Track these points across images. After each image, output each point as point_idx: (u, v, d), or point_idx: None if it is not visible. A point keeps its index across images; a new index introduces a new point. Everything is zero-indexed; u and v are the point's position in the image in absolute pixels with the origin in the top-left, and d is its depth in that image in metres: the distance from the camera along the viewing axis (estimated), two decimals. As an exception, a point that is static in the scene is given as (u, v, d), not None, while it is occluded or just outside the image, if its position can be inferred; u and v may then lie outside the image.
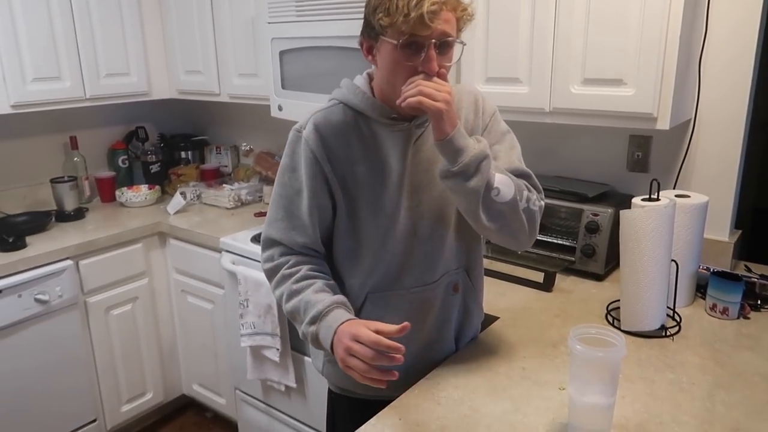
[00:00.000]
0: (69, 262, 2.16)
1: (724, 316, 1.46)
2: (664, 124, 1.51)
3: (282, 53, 2.13)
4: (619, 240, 1.40)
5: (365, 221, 1.21)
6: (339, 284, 1.23)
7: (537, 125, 1.74)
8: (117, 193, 2.70)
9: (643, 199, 1.41)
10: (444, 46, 1.08)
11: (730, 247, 1.73)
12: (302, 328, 1.15)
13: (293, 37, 2.07)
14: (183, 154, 2.96)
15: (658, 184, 1.41)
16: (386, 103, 1.16)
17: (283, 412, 2.15)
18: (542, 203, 1.23)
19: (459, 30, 1.11)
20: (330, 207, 1.21)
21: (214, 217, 2.51)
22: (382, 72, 1.13)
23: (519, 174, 1.20)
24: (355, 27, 1.88)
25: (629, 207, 1.41)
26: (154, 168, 2.85)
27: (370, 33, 1.11)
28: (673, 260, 1.41)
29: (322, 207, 1.20)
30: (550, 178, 1.97)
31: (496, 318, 1.50)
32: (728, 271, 1.63)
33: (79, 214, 2.49)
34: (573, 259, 1.76)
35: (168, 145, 2.97)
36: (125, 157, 2.87)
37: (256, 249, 1.89)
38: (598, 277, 1.72)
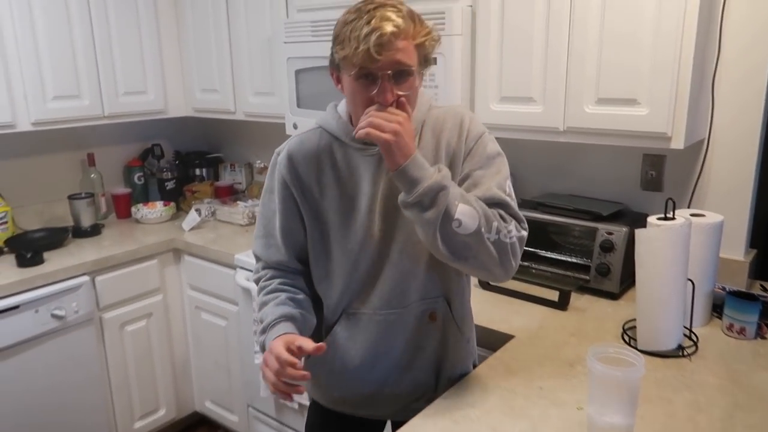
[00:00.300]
0: (86, 278, 2.18)
1: (741, 336, 1.45)
2: (678, 143, 1.52)
3: (298, 72, 2.16)
4: (635, 259, 1.40)
5: (336, 244, 1.24)
6: (320, 302, 1.30)
7: (550, 143, 1.75)
8: (133, 209, 2.73)
9: (658, 218, 1.42)
10: (400, 75, 1.07)
11: (745, 267, 1.72)
12: (256, 338, 1.23)
13: (309, 56, 2.10)
14: (198, 171, 3.00)
15: (674, 203, 1.41)
16: None
17: (296, 430, 2.15)
18: (522, 233, 1.17)
19: (424, 55, 1.11)
20: (301, 230, 1.27)
21: (228, 233, 2.53)
22: (347, 101, 1.18)
23: (494, 203, 1.14)
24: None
25: (644, 226, 1.41)
26: (170, 185, 2.89)
27: (333, 63, 1.14)
28: (689, 279, 1.41)
29: (293, 230, 1.27)
30: (562, 197, 1.97)
31: (511, 336, 1.50)
32: (744, 290, 1.62)
33: (95, 230, 2.52)
34: (587, 277, 1.75)
35: (183, 162, 3.00)
36: (141, 173, 2.91)
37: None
38: (613, 296, 1.71)
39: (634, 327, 1.46)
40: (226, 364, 2.42)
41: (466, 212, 1.08)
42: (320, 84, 2.09)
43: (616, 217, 1.79)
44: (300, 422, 2.12)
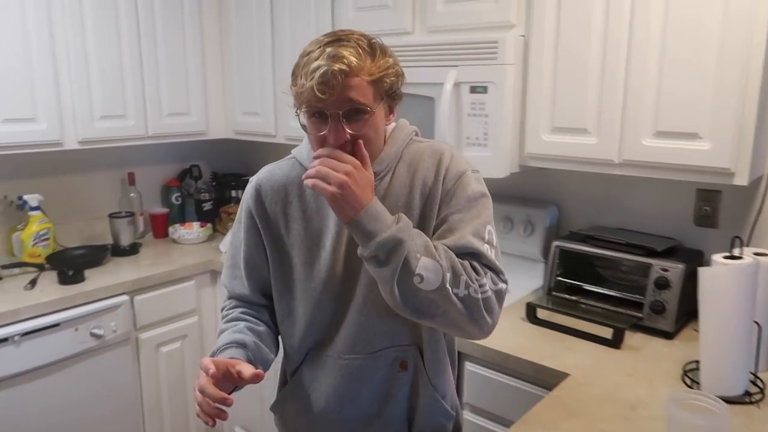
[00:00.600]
0: (125, 297, 2.18)
1: (811, 383, 1.39)
2: (742, 179, 1.47)
3: (343, 98, 2.16)
4: (699, 299, 1.34)
5: (299, 282, 1.18)
6: (283, 342, 1.25)
7: (598, 174, 1.71)
8: (170, 229, 2.74)
9: (724, 257, 1.37)
10: (352, 114, 1.01)
11: (808, 309, 1.65)
12: None
13: (355, 82, 2.10)
14: (234, 193, 3.00)
15: (741, 241, 1.36)
16: None
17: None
18: (501, 285, 1.07)
19: (385, 90, 1.04)
20: (265, 264, 1.21)
21: (264, 256, 2.52)
22: None
23: (467, 252, 1.05)
24: (415, 74, 1.92)
25: (699, 262, 1.37)
26: (207, 206, 2.90)
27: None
28: (755, 322, 1.35)
29: (257, 263, 1.22)
30: (611, 230, 1.93)
31: (565, 375, 1.45)
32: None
33: (134, 249, 2.52)
34: (640, 315, 1.70)
35: (220, 184, 3.02)
36: (179, 194, 2.92)
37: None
38: (668, 335, 1.65)
39: (695, 369, 1.40)
40: (258, 390, 2.38)
41: (428, 266, 0.99)
42: (366, 110, 2.09)
43: (670, 253, 1.73)
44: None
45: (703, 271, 1.33)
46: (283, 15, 2.42)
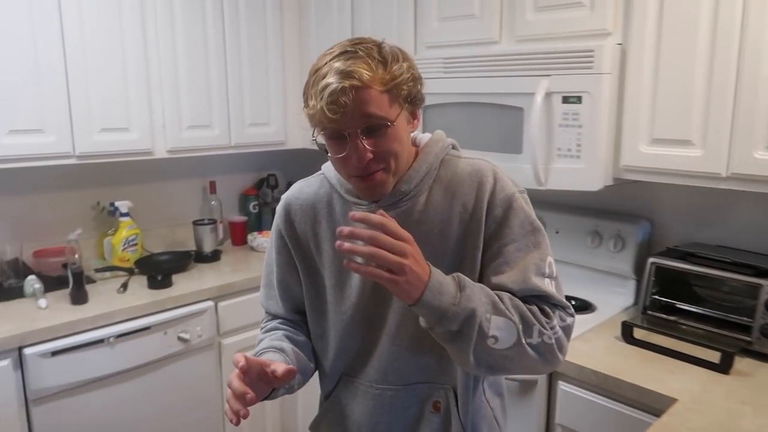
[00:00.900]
0: (210, 303, 2.23)
1: None
2: None
3: (426, 108, 2.15)
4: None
5: (330, 304, 1.12)
6: (319, 362, 1.19)
7: (697, 188, 1.63)
8: (249, 237, 2.79)
9: None
10: (373, 130, 0.95)
11: None
12: None
13: (439, 92, 2.08)
14: (309, 202, 3.03)
15: None
16: None
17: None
18: (568, 321, 1.01)
19: (404, 96, 0.97)
20: (298, 284, 1.16)
21: (341, 266, 2.52)
22: None
23: (534, 296, 0.98)
24: (502, 84, 1.88)
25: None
26: (283, 214, 2.93)
27: None
28: None
29: (290, 284, 1.18)
30: (711, 247, 1.83)
31: (672, 400, 1.37)
32: None
33: (215, 256, 2.58)
34: (749, 338, 1.59)
35: (295, 193, 3.05)
36: (256, 202, 2.98)
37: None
38: (781, 361, 1.55)
39: (820, 400, 1.30)
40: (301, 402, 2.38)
41: (501, 325, 0.93)
42: (450, 120, 2.07)
43: (781, 273, 1.62)
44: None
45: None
46: (365, 30, 2.43)
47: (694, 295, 1.82)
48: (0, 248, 2.21)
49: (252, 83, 2.59)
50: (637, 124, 1.69)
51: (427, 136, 1.12)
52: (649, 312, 1.80)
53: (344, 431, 1.17)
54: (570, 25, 1.78)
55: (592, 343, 1.69)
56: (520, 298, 0.98)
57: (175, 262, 2.44)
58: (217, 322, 2.28)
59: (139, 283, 2.25)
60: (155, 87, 2.29)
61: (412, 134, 1.07)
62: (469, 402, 1.08)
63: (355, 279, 1.08)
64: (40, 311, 1.96)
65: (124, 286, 2.19)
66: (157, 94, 2.30)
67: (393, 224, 0.88)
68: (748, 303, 1.63)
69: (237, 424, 0.93)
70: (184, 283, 2.26)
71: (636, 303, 1.97)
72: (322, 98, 0.91)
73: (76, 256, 2.04)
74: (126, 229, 2.42)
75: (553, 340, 0.97)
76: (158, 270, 2.28)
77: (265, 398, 1.03)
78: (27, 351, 1.81)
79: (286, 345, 1.12)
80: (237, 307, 2.33)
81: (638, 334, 1.68)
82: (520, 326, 0.95)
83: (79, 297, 2.03)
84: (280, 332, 1.16)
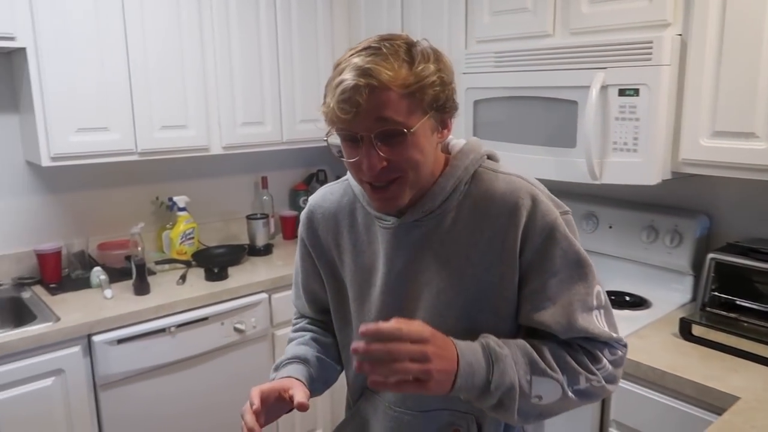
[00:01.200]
0: (264, 295, 2.29)
1: None
2: None
3: (476, 102, 2.15)
4: None
5: (354, 316, 1.07)
6: (345, 369, 1.16)
7: (759, 181, 1.58)
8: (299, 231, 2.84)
9: None
10: (387, 135, 0.86)
11: None
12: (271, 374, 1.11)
13: (490, 87, 2.08)
14: (357, 197, 3.07)
15: None
16: None
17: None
18: (618, 354, 0.95)
19: (429, 102, 0.87)
20: (323, 291, 1.12)
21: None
22: None
23: (580, 338, 0.92)
24: (557, 77, 1.86)
25: None
26: (332, 209, 2.98)
27: None
28: None
29: (315, 290, 1.15)
30: (774, 242, 1.77)
31: (735, 398, 1.34)
32: None
33: (267, 250, 2.65)
34: (816, 337, 1.54)
35: (343, 188, 3.10)
36: (305, 197, 3.03)
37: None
38: None
39: None
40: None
41: (543, 385, 0.89)
42: (501, 114, 2.06)
43: None
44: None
45: None
46: (415, 24, 2.44)
47: (756, 291, 1.76)
48: (68, 241, 2.32)
49: (303, 81, 2.64)
50: (698, 117, 1.65)
51: (461, 142, 1.01)
52: (708, 309, 1.76)
53: None
54: (627, 17, 1.75)
55: (649, 340, 1.66)
56: (565, 339, 0.93)
57: (230, 255, 2.52)
58: (271, 314, 2.33)
59: (196, 275, 2.32)
60: (211, 86, 2.36)
61: (447, 139, 0.98)
62: (496, 429, 1.01)
63: (375, 296, 1.02)
64: (106, 301, 2.06)
65: (183, 278, 2.28)
66: (213, 93, 2.37)
67: (407, 328, 0.81)
68: (814, 301, 1.58)
69: None
70: (238, 276, 2.33)
71: (693, 300, 1.93)
72: (335, 95, 0.84)
73: (139, 248, 2.13)
74: (183, 223, 2.50)
75: (603, 381, 0.93)
76: (214, 263, 2.36)
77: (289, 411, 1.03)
78: (95, 338, 1.91)
79: (311, 353, 1.10)
80: (289, 300, 2.37)
81: (697, 331, 1.65)
82: (565, 380, 0.90)
83: (141, 288, 2.12)
84: (308, 335, 1.15)
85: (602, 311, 0.94)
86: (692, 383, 1.43)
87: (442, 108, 0.90)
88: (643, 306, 1.92)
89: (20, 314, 2.05)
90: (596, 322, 0.92)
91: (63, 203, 2.38)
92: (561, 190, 2.31)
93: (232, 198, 2.85)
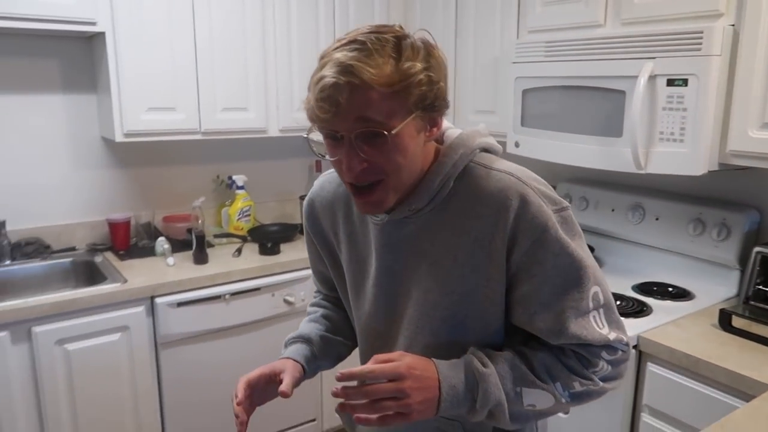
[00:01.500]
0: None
1: None
2: None
3: (525, 92, 2.18)
4: None
5: (352, 305, 1.08)
6: None
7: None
8: (349, 213, 2.96)
9: None
10: (368, 136, 0.81)
11: None
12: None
13: (539, 76, 2.11)
14: (406, 183, 3.15)
15: None
16: None
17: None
18: (618, 354, 0.92)
19: (415, 102, 0.82)
20: (330, 274, 1.13)
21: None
22: None
23: (571, 345, 0.89)
24: (606, 67, 1.87)
25: None
26: (381, 194, 3.07)
27: None
28: None
29: (321, 271, 1.17)
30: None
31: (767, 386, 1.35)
32: None
33: (318, 230, 2.76)
34: None
35: (394, 174, 3.18)
36: (357, 181, 3.13)
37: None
38: None
39: None
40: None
41: (534, 396, 0.89)
42: (549, 104, 2.09)
43: None
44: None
45: None
46: (468, 14, 2.48)
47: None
48: (136, 213, 2.51)
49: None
50: (747, 108, 1.64)
51: (455, 133, 0.96)
52: (752, 302, 1.75)
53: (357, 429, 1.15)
54: (679, 7, 1.75)
55: (687, 329, 1.67)
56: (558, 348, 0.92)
57: (283, 233, 2.65)
58: (319, 289, 2.45)
59: (251, 249, 2.47)
60: (271, 71, 2.49)
61: (444, 128, 0.95)
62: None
63: (368, 288, 1.01)
64: (168, 268, 2.23)
65: (239, 251, 2.42)
66: (272, 78, 2.50)
67: (380, 369, 0.82)
68: None
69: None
70: (290, 252, 2.45)
71: (739, 294, 1.91)
72: (315, 93, 0.81)
73: (200, 221, 2.29)
74: (241, 201, 2.65)
75: (600, 383, 0.92)
76: (268, 239, 2.49)
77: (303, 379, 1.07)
78: (158, 300, 2.07)
79: (316, 332, 1.12)
80: (337, 277, 2.49)
81: (737, 323, 1.65)
82: (557, 387, 0.90)
83: (200, 257, 2.27)
84: (320, 312, 1.17)
85: (601, 311, 0.90)
86: (726, 371, 1.44)
87: (430, 107, 0.85)
88: (686, 298, 1.92)
89: (93, 276, 2.25)
90: (593, 325, 0.89)
91: (133, 178, 2.57)
92: (608, 181, 2.33)
93: (288, 179, 2.98)
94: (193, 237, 2.28)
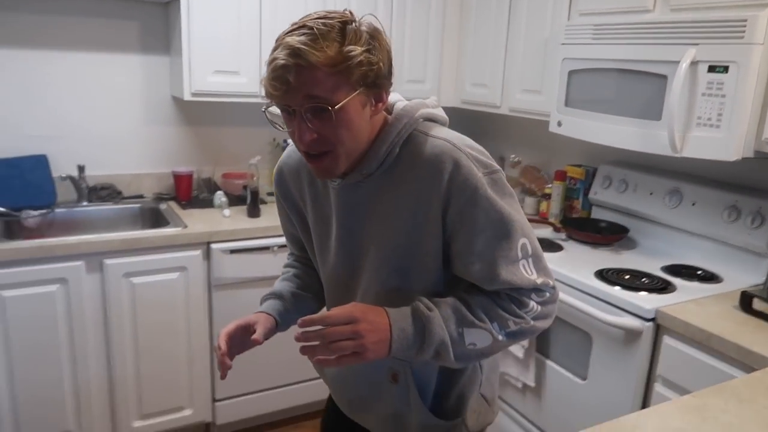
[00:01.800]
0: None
1: None
2: None
3: (571, 73, 2.25)
4: None
5: (319, 263, 1.20)
6: None
7: None
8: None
9: None
10: (316, 111, 0.92)
11: None
12: None
13: (586, 58, 2.17)
14: (452, 158, 3.25)
15: None
16: None
17: (515, 409, 2.25)
18: (546, 296, 1.04)
19: (356, 81, 0.92)
20: (298, 233, 1.25)
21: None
22: None
23: (504, 290, 1.01)
24: (651, 51, 1.92)
25: None
26: (427, 167, 3.18)
27: None
28: None
29: (291, 232, 1.28)
30: None
31: (773, 361, 1.42)
32: None
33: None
34: None
35: (441, 149, 3.28)
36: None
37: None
38: None
39: None
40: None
41: (474, 334, 1.00)
42: (594, 86, 2.15)
43: None
44: (520, 402, 2.22)
45: None
46: (523, -7, 2.55)
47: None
48: (198, 168, 2.73)
49: (413, 42, 2.83)
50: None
51: (400, 105, 1.07)
52: (776, 288, 1.79)
53: (325, 376, 1.30)
54: (728, -6, 1.78)
55: (706, 308, 1.73)
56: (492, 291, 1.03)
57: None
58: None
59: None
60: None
61: (391, 99, 1.06)
62: (426, 382, 1.13)
63: (332, 247, 1.12)
64: (224, 219, 2.43)
65: (289, 209, 2.60)
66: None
67: (335, 313, 0.94)
68: None
69: (223, 378, 1.10)
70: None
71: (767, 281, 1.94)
72: (268, 72, 0.92)
73: (255, 178, 2.47)
74: (294, 164, 2.82)
75: (531, 322, 1.03)
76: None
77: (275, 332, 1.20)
78: (213, 246, 2.28)
79: (287, 289, 1.25)
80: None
81: (758, 305, 1.69)
82: (494, 326, 1.01)
83: (254, 211, 2.46)
84: (292, 272, 1.30)
85: (530, 260, 1.02)
86: (737, 347, 1.51)
87: (372, 84, 0.94)
88: (713, 281, 1.97)
89: (158, 220, 2.49)
90: (522, 272, 1.00)
91: (198, 135, 2.78)
92: (648, 166, 2.38)
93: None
94: (248, 192, 2.47)
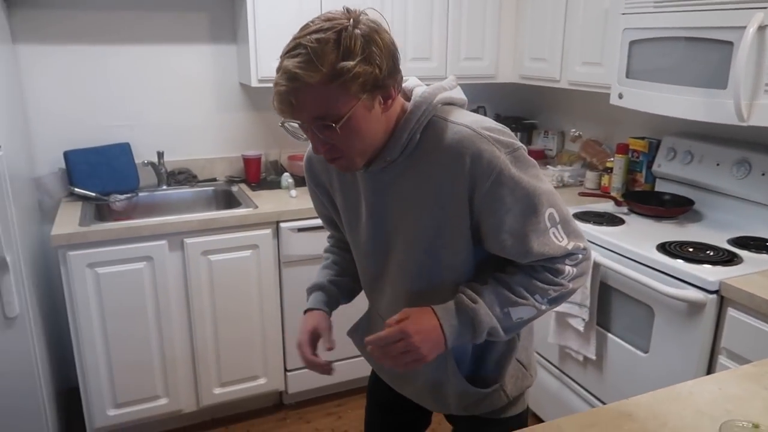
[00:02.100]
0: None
1: None
2: None
3: (632, 43, 2.21)
4: None
5: (351, 245, 1.26)
6: None
7: None
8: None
9: None
10: (321, 127, 0.97)
11: None
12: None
13: (647, 27, 2.13)
14: (516, 135, 3.24)
15: None
16: None
17: (576, 382, 2.28)
18: (579, 258, 1.09)
19: (358, 89, 0.93)
20: (333, 217, 1.30)
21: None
22: None
23: (539, 262, 1.06)
24: (715, 17, 1.87)
25: None
26: (487, 143, 3.20)
27: None
28: None
29: (325, 215, 1.34)
30: None
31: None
32: None
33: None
34: None
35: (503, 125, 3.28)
36: (464, 131, 3.28)
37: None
38: None
39: None
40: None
41: (519, 311, 1.07)
42: (656, 56, 2.11)
43: None
44: (581, 374, 2.25)
45: None
46: (582, -38, 2.51)
47: None
48: (266, 151, 2.87)
49: (470, 19, 2.84)
50: None
51: (418, 91, 1.07)
52: None
53: (364, 351, 1.31)
54: (799, -46, 1.71)
55: (772, 278, 1.70)
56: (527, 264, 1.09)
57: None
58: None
59: (362, 188, 2.73)
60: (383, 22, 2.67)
61: (408, 84, 1.09)
62: (463, 356, 1.21)
63: (362, 228, 1.17)
64: (291, 199, 2.56)
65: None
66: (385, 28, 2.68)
67: (384, 336, 1.03)
68: None
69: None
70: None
71: (842, 253, 1.88)
72: (274, 95, 0.96)
73: (319, 159, 2.58)
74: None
75: (570, 285, 1.09)
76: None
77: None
78: (282, 225, 2.41)
79: (326, 279, 1.34)
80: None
81: (829, 276, 1.66)
82: (536, 298, 1.08)
83: (318, 192, 2.58)
84: (330, 258, 1.39)
85: (559, 226, 1.06)
86: None
87: (374, 88, 0.95)
88: (782, 253, 1.93)
89: (230, 202, 2.65)
90: (554, 240, 1.05)
91: (265, 120, 2.92)
92: (714, 135, 2.32)
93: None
94: (313, 173, 2.58)
